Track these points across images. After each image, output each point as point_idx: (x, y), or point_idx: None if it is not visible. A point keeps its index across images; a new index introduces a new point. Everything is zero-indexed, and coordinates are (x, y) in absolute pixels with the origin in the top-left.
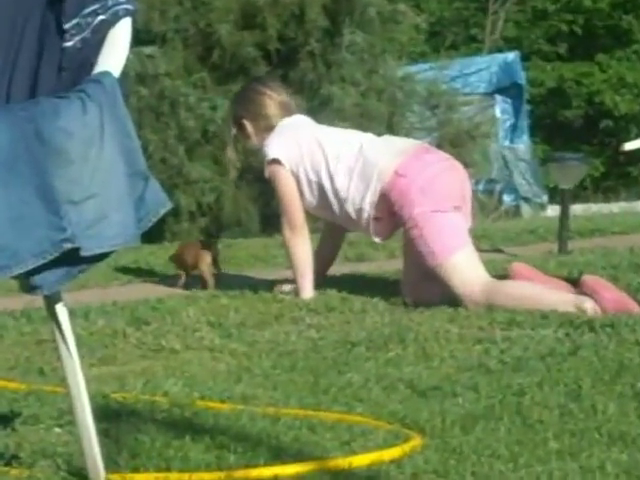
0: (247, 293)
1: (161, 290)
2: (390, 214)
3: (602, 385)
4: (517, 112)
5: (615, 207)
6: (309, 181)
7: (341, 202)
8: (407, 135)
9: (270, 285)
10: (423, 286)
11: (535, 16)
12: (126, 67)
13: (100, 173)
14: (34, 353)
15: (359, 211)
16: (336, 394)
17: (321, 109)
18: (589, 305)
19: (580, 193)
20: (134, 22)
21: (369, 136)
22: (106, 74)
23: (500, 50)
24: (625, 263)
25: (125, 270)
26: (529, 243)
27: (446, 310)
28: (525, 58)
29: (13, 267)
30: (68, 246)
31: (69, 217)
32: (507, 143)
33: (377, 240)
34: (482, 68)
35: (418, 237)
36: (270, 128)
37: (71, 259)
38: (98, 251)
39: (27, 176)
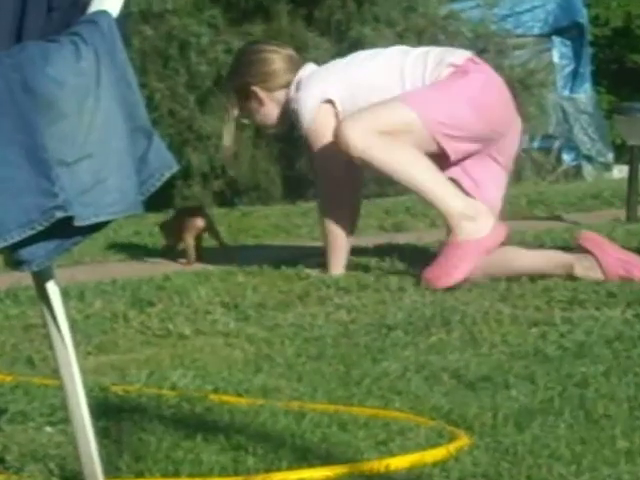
0: (267, 269)
1: (167, 266)
2: None
3: None
4: (578, 56)
5: None
6: None
7: None
8: None
9: (293, 259)
10: None
11: None
12: (127, 4)
13: (96, 130)
14: (21, 340)
15: None
16: (370, 386)
17: (350, 54)
18: (578, 266)
19: None
20: None
21: (402, 56)
22: (103, 14)
23: None
24: None
25: (126, 243)
26: (592, 209)
27: (497, 287)
28: None
29: None
30: (60, 214)
31: (61, 181)
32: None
33: None
34: (537, 5)
35: None
36: (282, 86)
37: (63, 230)
38: (94, 220)
39: (12, 133)
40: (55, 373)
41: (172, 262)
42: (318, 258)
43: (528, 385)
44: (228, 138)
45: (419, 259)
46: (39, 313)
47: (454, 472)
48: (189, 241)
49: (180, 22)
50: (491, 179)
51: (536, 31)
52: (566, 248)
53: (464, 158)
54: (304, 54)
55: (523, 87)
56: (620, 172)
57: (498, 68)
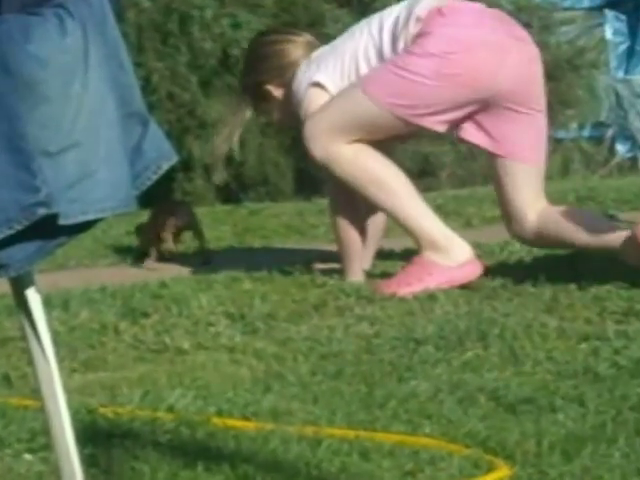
0: (277, 275)
1: (165, 271)
2: None
3: None
4: (634, 33)
5: None
6: None
7: None
8: None
9: (307, 264)
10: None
11: None
12: None
13: (84, 115)
14: None
15: None
16: (396, 408)
17: None
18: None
19: None
20: None
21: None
22: None
23: None
24: None
25: (117, 245)
26: None
27: (542, 296)
28: None
29: None
30: (42, 212)
31: (43, 174)
32: (620, 74)
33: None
34: None
35: None
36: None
37: (46, 229)
38: (82, 218)
39: None
40: (35, 393)
41: (170, 266)
42: (336, 263)
43: (577, 408)
44: (228, 142)
45: None
46: (17, 324)
47: None
48: (167, 239)
49: None
50: (512, 130)
51: (586, 4)
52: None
53: (469, 118)
54: (321, 29)
55: (571, 68)
56: None
57: (543, 46)
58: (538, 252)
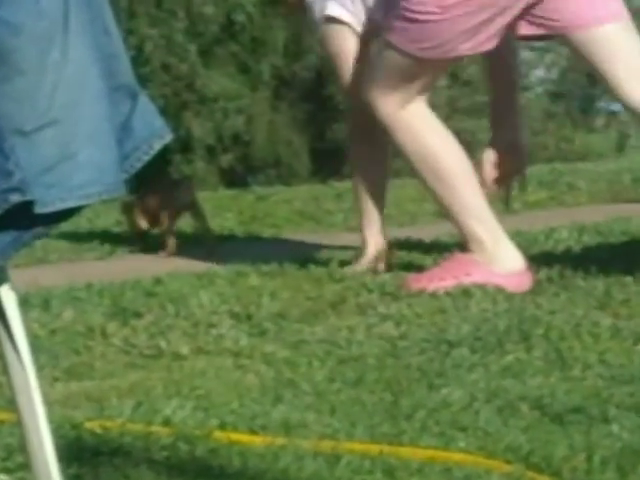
0: (289, 269)
1: (160, 265)
2: None
3: None
4: None
5: None
6: None
7: None
8: None
9: (324, 256)
10: None
11: None
12: None
13: (63, 89)
14: None
15: None
16: (425, 420)
17: None
18: None
19: None
20: None
21: None
22: None
23: None
24: None
25: (105, 235)
26: None
27: (593, 291)
28: None
29: None
30: (16, 199)
31: (16, 155)
32: None
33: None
34: None
35: None
36: None
37: (21, 219)
38: (61, 206)
39: None
40: (11, 405)
41: (166, 260)
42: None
43: (633, 418)
44: None
45: None
46: None
47: None
48: (169, 223)
49: None
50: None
51: None
52: None
53: (519, 18)
54: None
55: None
56: None
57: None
58: (589, 240)
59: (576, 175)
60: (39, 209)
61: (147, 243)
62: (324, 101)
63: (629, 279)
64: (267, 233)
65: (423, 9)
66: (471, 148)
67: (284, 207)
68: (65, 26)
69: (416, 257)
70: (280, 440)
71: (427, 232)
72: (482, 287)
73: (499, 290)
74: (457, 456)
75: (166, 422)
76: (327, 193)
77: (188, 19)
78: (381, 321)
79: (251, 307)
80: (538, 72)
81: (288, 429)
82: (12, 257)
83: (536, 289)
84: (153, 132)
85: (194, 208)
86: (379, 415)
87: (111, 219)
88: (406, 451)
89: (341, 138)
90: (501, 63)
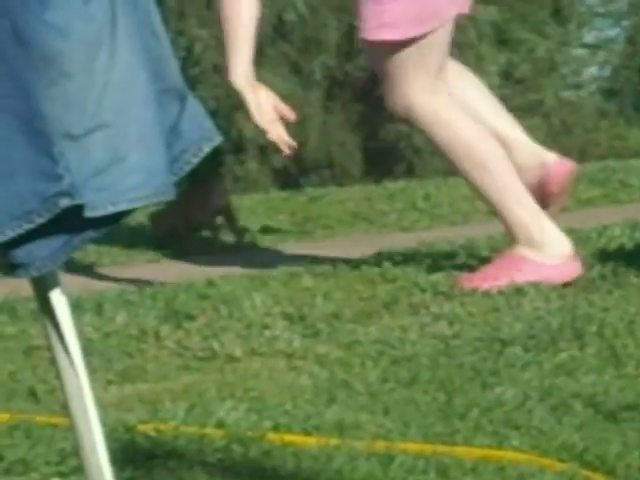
0: (342, 269)
1: (213, 268)
2: None
3: None
4: None
5: None
6: None
7: None
8: (581, 25)
9: (377, 256)
10: None
11: None
12: None
13: (112, 92)
14: (21, 366)
15: None
16: (479, 419)
17: None
18: None
19: None
20: None
21: None
22: None
23: None
24: None
25: (156, 238)
26: None
27: None
28: None
29: None
30: (65, 203)
31: (66, 159)
32: None
33: None
34: None
35: None
36: None
37: (71, 223)
38: (111, 210)
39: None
40: (64, 409)
41: (219, 263)
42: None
43: None
44: None
45: None
46: (43, 332)
47: None
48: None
49: None
50: None
51: None
52: None
53: None
54: None
55: None
56: None
57: None
58: None
59: (629, 172)
60: (89, 213)
61: (189, 246)
62: (377, 101)
63: None
64: (320, 234)
65: None
66: None
67: (337, 208)
68: (113, 29)
69: (469, 256)
70: (334, 441)
71: (480, 231)
72: (535, 285)
73: (552, 288)
74: (510, 455)
75: (220, 424)
76: (380, 193)
77: None
78: (434, 321)
79: (304, 308)
80: (591, 70)
81: (342, 430)
82: (63, 261)
83: (589, 287)
84: (202, 134)
85: (227, 212)
86: (432, 415)
87: None
88: (460, 450)
89: (394, 138)
90: None
